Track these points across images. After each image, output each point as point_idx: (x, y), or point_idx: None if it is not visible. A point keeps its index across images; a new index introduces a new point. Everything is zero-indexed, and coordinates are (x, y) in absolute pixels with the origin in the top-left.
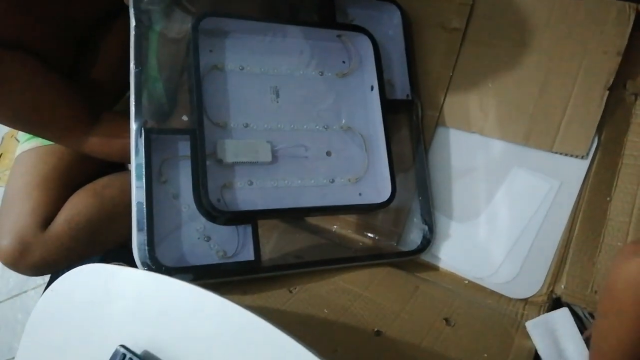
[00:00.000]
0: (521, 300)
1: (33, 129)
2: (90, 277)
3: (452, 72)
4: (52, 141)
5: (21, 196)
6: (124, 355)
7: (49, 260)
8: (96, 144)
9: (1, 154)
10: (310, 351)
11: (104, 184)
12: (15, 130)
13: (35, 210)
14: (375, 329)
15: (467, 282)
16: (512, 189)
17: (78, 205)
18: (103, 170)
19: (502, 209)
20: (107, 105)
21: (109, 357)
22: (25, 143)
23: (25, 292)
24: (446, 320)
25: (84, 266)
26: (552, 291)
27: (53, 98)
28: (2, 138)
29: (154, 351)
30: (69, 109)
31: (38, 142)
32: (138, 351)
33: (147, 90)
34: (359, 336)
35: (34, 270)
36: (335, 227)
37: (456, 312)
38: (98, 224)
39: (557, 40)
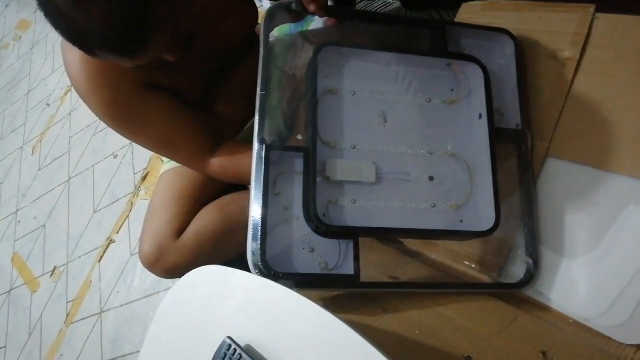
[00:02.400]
0: (632, 346)
1: (166, 155)
2: (209, 277)
3: (564, 102)
4: (180, 163)
5: (161, 208)
6: (230, 346)
7: (179, 266)
8: (216, 169)
9: (148, 172)
10: None
11: (228, 201)
12: None
13: (172, 221)
14: (466, 355)
15: (572, 321)
16: (627, 227)
17: (206, 219)
18: (228, 189)
19: (615, 247)
20: (230, 134)
21: (218, 346)
22: (167, 164)
23: (158, 292)
24: (544, 353)
25: (204, 267)
26: None
27: (181, 129)
28: (150, 159)
29: (255, 345)
30: (194, 139)
31: (174, 164)
32: (242, 344)
33: (268, 115)
34: (448, 358)
35: (167, 273)
36: (434, 255)
37: (556, 347)
38: (222, 236)
39: None
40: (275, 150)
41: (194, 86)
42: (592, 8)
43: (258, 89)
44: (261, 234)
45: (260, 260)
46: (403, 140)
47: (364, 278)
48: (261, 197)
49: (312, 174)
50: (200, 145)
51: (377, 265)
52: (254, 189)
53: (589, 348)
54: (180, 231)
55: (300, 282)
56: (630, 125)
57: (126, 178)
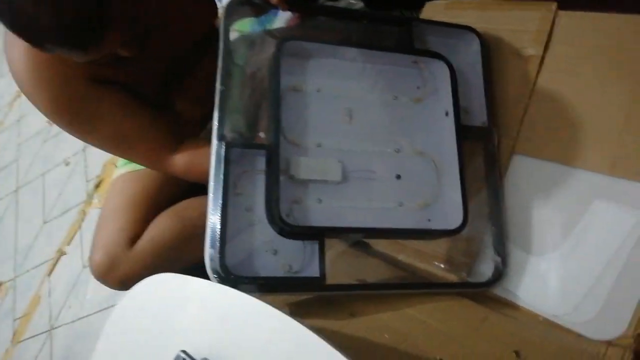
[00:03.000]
0: (603, 342)
1: (123, 154)
2: (162, 286)
3: (529, 99)
4: (140, 164)
5: (113, 215)
6: None
7: (133, 276)
8: (179, 167)
9: (102, 179)
10: None
11: (185, 206)
12: (115, 158)
13: (124, 228)
14: (438, 358)
15: (541, 319)
16: (594, 222)
17: (161, 226)
18: (185, 193)
19: (583, 243)
20: (192, 132)
21: None
22: (120, 168)
23: (113, 306)
24: (516, 353)
25: (156, 275)
26: (639, 334)
27: (138, 127)
28: (104, 165)
29: (213, 358)
30: (153, 137)
31: (130, 167)
32: (198, 357)
33: (229, 112)
34: None
35: (121, 284)
36: (401, 256)
37: (528, 346)
38: (179, 243)
39: None
40: (236, 148)
41: (151, 83)
42: (553, 6)
43: (217, 84)
44: (220, 237)
45: (219, 265)
46: (369, 138)
47: (330, 281)
48: (220, 197)
49: (275, 172)
50: (160, 143)
51: (343, 268)
52: (212, 189)
53: (560, 346)
54: (134, 239)
55: (263, 287)
56: (595, 122)
57: (78, 186)
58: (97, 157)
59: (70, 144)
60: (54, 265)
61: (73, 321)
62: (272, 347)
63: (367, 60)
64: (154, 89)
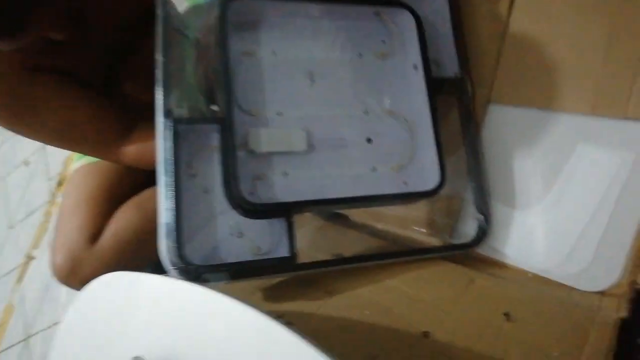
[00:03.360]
0: (596, 293)
1: (70, 147)
2: (112, 287)
3: (501, 43)
4: (91, 155)
5: (71, 213)
6: None
7: (98, 275)
8: (131, 155)
9: (64, 177)
10: None
11: (147, 197)
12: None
13: (84, 226)
14: (423, 330)
15: (530, 275)
16: (578, 167)
17: (123, 219)
18: (146, 183)
19: (568, 191)
20: (143, 115)
21: None
22: (76, 162)
23: None
24: (506, 315)
25: (106, 275)
26: (634, 280)
27: (82, 116)
28: (65, 162)
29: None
30: (100, 125)
31: (86, 160)
32: None
33: (176, 86)
34: (404, 339)
35: (85, 284)
36: (380, 224)
37: (518, 306)
38: (143, 236)
39: None
40: (184, 124)
41: (93, 67)
42: None
43: (158, 56)
44: (176, 224)
45: (176, 255)
46: (334, 101)
47: (305, 259)
48: (171, 180)
49: (231, 148)
50: (108, 131)
51: (320, 244)
52: (161, 172)
53: (552, 302)
54: (95, 236)
55: (229, 274)
56: (571, 61)
57: (41, 186)
58: (58, 154)
59: (28, 143)
60: (24, 271)
61: (49, 327)
62: (233, 341)
63: (325, 16)
64: (97, 74)
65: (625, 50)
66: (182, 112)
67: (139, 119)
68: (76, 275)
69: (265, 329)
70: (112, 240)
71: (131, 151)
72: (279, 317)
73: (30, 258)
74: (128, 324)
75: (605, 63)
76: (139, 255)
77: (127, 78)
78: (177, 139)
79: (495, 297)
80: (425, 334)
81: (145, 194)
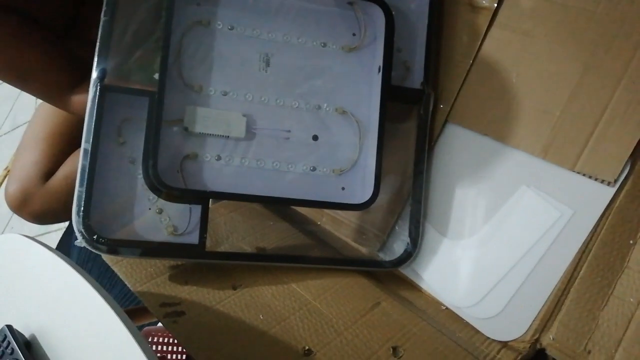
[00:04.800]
0: (498, 342)
1: (21, 87)
2: (6, 248)
3: (472, 60)
4: (44, 100)
5: (30, 146)
6: (4, 337)
7: (47, 212)
8: (77, 106)
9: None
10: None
11: None
12: None
13: (39, 162)
14: (306, 347)
15: (444, 307)
16: (517, 209)
17: (77, 163)
18: None
19: (501, 231)
20: None
21: None
22: None
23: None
24: (394, 349)
25: (6, 235)
26: (537, 339)
27: (36, 57)
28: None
29: (41, 338)
30: (54, 69)
31: None
32: (27, 333)
33: (139, 47)
34: (284, 354)
35: (34, 219)
36: (320, 221)
37: (412, 341)
38: None
39: (604, 30)
40: (113, 92)
41: (54, 10)
42: None
43: (101, 14)
44: (86, 190)
45: (82, 226)
46: (287, 90)
47: (226, 246)
48: (90, 144)
49: (156, 126)
50: (61, 78)
51: (247, 232)
52: (85, 133)
53: (449, 342)
54: (48, 174)
55: (139, 251)
56: (537, 95)
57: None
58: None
59: None
60: None
61: None
62: (91, 337)
63: None
64: (58, 18)
65: (590, 103)
66: (119, 74)
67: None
68: (26, 207)
69: (118, 335)
70: (63, 181)
71: (78, 102)
72: (176, 303)
73: None
74: (12, 289)
75: (568, 109)
76: None
77: (86, 21)
78: (102, 104)
79: (393, 327)
80: (308, 352)
81: None
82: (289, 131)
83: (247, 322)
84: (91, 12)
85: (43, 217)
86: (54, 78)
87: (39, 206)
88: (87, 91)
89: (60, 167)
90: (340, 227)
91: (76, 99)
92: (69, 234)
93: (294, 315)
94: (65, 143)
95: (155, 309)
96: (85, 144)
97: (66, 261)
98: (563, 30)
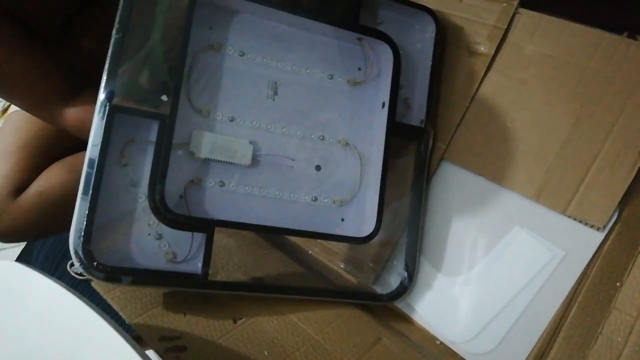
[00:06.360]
0: None
1: (11, 97)
2: (5, 276)
3: (469, 102)
4: (30, 113)
5: (0, 158)
6: None
7: (15, 230)
8: (71, 120)
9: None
10: None
11: (83, 160)
12: None
13: (9, 176)
14: None
15: (439, 342)
16: (510, 249)
17: (53, 178)
18: (84, 144)
19: (494, 269)
20: (95, 81)
21: None
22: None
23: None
24: None
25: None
26: None
27: (25, 66)
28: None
29: None
30: (44, 80)
31: None
32: None
33: (149, 67)
34: None
35: (1, 236)
36: (312, 250)
37: None
38: (71, 200)
39: (596, 84)
40: (123, 114)
41: (48, 16)
42: (516, 1)
43: (114, 31)
44: (88, 213)
45: (81, 250)
46: (293, 119)
47: (221, 275)
48: (95, 163)
49: (166, 151)
50: (51, 89)
51: (242, 261)
52: (88, 152)
53: None
54: (19, 189)
55: (135, 279)
56: (531, 140)
57: None
58: None
59: None
60: None
61: None
62: None
63: (305, 27)
64: (52, 24)
65: (581, 151)
66: (126, 95)
67: (88, 84)
68: None
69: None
70: (37, 198)
71: (71, 116)
72: (176, 337)
73: None
74: (5, 321)
75: (560, 156)
76: (64, 219)
77: (84, 30)
78: (114, 124)
79: None
80: None
81: (82, 156)
82: (293, 160)
83: (252, 358)
84: (86, 19)
85: (10, 235)
86: (47, 88)
87: (7, 223)
88: (78, 105)
89: (34, 182)
90: (334, 258)
91: (69, 112)
92: (27, 251)
93: (298, 352)
94: (39, 156)
95: (155, 343)
96: (89, 165)
97: (76, 295)
98: (556, 81)
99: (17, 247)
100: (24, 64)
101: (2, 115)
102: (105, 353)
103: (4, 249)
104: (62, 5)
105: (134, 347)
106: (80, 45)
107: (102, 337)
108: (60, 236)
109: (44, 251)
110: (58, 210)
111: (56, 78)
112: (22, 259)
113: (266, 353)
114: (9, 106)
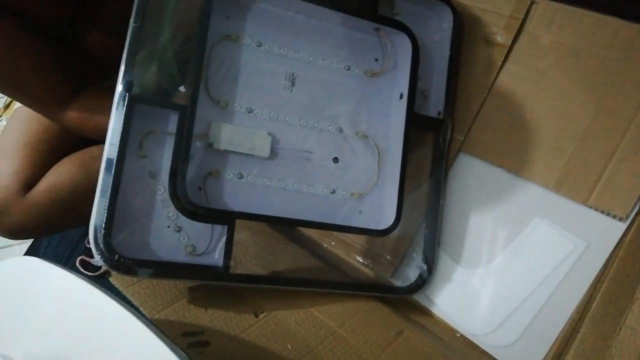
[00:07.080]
0: None
1: (15, 94)
2: (20, 271)
3: (487, 93)
4: (33, 109)
5: (7, 154)
6: None
7: (25, 227)
8: (73, 118)
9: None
10: None
11: (92, 155)
12: None
13: (19, 172)
14: None
15: (459, 335)
16: (530, 241)
17: (63, 174)
18: (95, 139)
19: (515, 261)
20: (98, 77)
21: None
22: None
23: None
24: None
25: (18, 258)
26: None
27: (29, 64)
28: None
29: None
30: (48, 78)
31: None
32: None
33: (157, 59)
34: None
35: (11, 234)
36: (327, 244)
37: None
38: (81, 196)
39: (616, 74)
40: (143, 104)
41: (53, 13)
42: None
43: (131, 20)
44: (109, 204)
45: (103, 243)
46: (311, 111)
47: (240, 269)
48: (115, 156)
49: (187, 142)
50: (55, 87)
51: (259, 255)
52: (107, 144)
53: None
54: (28, 185)
55: (156, 271)
56: (550, 131)
57: None
58: None
59: None
60: None
61: None
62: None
63: (323, 18)
64: (57, 21)
65: (603, 139)
66: (144, 86)
67: (91, 82)
68: (2, 221)
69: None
70: (46, 194)
71: (73, 115)
72: (198, 332)
73: None
74: (24, 315)
75: (581, 146)
76: (74, 216)
77: (89, 25)
78: (130, 116)
79: (419, 355)
80: None
81: (91, 151)
82: (311, 152)
83: (275, 352)
84: (90, 16)
85: (20, 232)
86: (50, 86)
87: (16, 220)
88: (79, 103)
89: (43, 178)
90: (351, 251)
91: (72, 110)
92: (34, 249)
93: (321, 345)
94: (47, 151)
95: (177, 338)
96: (109, 156)
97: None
98: (575, 71)
99: (24, 244)
100: (26, 60)
101: (5, 111)
102: (136, 346)
103: (10, 245)
104: (65, 1)
105: (162, 339)
106: (83, 43)
107: (132, 330)
108: (66, 233)
109: (51, 248)
110: (68, 207)
111: (61, 76)
112: (30, 255)
113: (289, 347)
114: (11, 102)
